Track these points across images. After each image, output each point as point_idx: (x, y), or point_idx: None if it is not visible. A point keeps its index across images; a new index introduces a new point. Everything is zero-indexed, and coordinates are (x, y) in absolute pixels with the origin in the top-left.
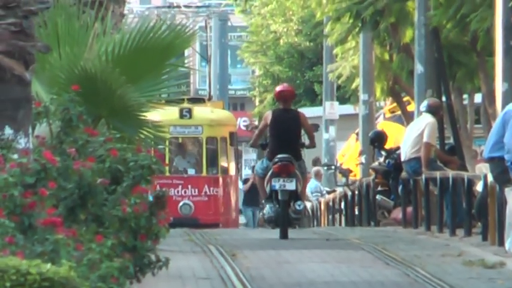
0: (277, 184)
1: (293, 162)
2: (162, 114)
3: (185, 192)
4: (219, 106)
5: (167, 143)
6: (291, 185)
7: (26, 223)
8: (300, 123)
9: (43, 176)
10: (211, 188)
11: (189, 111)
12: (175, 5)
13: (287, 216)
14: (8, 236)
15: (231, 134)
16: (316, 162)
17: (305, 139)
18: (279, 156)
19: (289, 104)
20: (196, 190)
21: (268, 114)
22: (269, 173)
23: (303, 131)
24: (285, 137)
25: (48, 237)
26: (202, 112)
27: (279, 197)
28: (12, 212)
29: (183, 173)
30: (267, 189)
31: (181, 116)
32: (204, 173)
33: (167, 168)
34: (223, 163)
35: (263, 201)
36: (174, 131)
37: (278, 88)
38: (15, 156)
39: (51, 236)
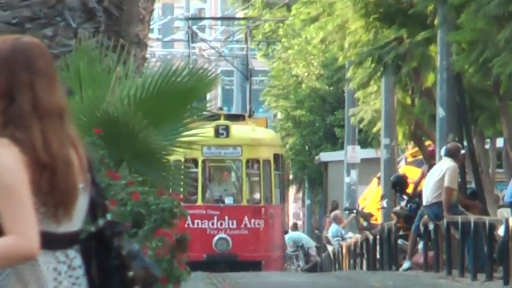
0: None
1: None
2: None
3: (221, 224)
4: (262, 124)
5: (200, 166)
6: None
7: None
8: None
9: None
10: (252, 220)
11: (226, 128)
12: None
13: None
14: None
15: (276, 157)
16: (333, 205)
17: None
18: None
19: None
20: (235, 222)
21: None
22: None
23: None
24: None
25: None
26: (241, 130)
27: None
28: None
29: (219, 202)
30: None
31: (217, 134)
32: (244, 202)
33: (200, 196)
34: (266, 190)
35: None
36: (208, 152)
37: None
38: None
39: None
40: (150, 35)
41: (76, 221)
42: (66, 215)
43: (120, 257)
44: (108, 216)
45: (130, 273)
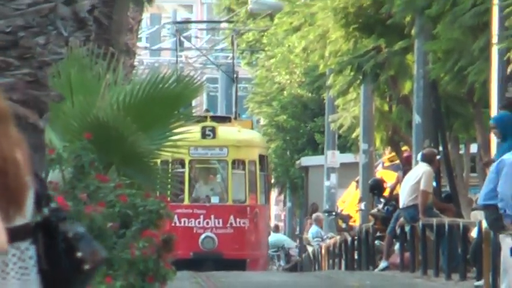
0: None
1: None
2: (181, 134)
3: (207, 223)
4: (247, 125)
5: (187, 166)
6: None
7: None
8: None
9: None
10: (238, 219)
11: (213, 130)
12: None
13: None
14: None
15: (261, 158)
16: (313, 208)
17: None
18: None
19: None
20: (221, 221)
21: None
22: None
23: None
24: None
25: None
26: (227, 132)
27: None
28: None
29: (205, 202)
30: None
31: (204, 135)
32: (230, 202)
33: (187, 196)
34: (251, 190)
35: None
36: (195, 152)
37: None
38: None
39: None
40: (139, 44)
41: (26, 214)
42: (19, 211)
43: (66, 240)
44: (52, 205)
45: (79, 254)
